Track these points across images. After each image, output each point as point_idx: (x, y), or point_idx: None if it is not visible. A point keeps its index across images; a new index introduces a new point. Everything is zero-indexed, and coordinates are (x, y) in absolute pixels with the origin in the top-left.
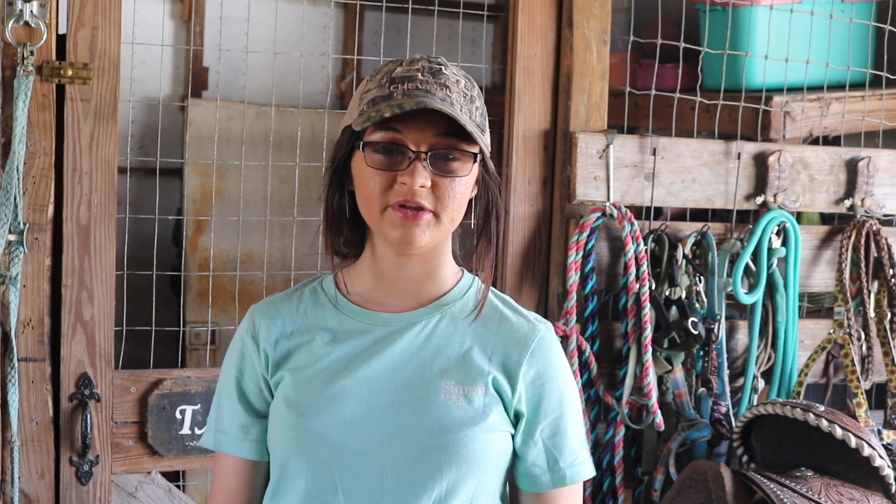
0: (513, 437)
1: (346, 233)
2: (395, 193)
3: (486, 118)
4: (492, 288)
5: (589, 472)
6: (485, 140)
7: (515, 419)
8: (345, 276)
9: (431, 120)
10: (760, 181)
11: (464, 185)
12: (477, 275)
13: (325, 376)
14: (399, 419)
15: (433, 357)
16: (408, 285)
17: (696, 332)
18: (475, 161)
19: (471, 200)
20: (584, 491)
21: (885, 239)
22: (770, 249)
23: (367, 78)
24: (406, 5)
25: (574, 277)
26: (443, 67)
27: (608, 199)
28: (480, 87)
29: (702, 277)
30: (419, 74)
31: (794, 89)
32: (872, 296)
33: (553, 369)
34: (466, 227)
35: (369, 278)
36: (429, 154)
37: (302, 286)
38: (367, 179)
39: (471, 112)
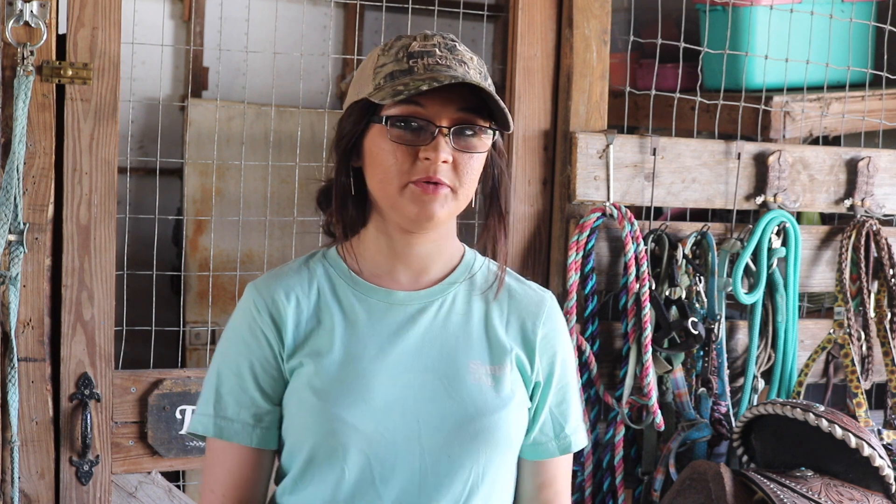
0: (529, 409)
1: (352, 211)
2: (417, 170)
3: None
4: (495, 262)
5: (586, 439)
6: None
7: (532, 391)
8: (349, 250)
9: (453, 95)
10: (760, 181)
11: (479, 160)
12: (480, 250)
13: (352, 362)
14: (434, 403)
15: (456, 336)
16: (417, 262)
17: (696, 332)
18: (493, 137)
19: None
20: (584, 491)
21: (885, 239)
22: (770, 249)
23: (378, 52)
24: (406, 5)
25: (574, 277)
26: (457, 44)
27: (608, 199)
28: None
29: (702, 277)
30: (437, 50)
31: (794, 89)
32: (872, 296)
33: (561, 338)
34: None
35: (377, 255)
36: (451, 129)
37: (305, 260)
38: (387, 155)
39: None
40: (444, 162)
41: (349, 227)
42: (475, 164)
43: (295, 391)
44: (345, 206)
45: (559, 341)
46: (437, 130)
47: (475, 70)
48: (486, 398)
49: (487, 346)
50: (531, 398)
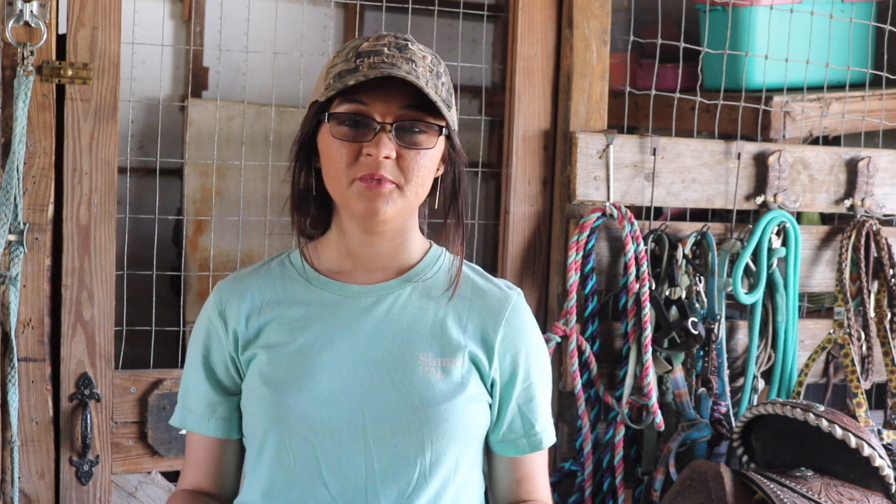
0: (490, 405)
1: (313, 211)
2: (361, 166)
3: (453, 95)
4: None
5: (554, 436)
6: (451, 115)
7: (491, 387)
8: (312, 250)
9: (398, 93)
10: (760, 181)
11: (429, 158)
12: (446, 247)
13: (302, 352)
14: (379, 394)
15: (409, 329)
16: (376, 261)
17: (696, 332)
18: (440, 134)
19: (437, 179)
20: (584, 491)
21: (885, 239)
22: (770, 249)
23: (335, 54)
24: (406, 5)
25: (574, 277)
26: (409, 43)
27: (608, 199)
28: (480, 88)
29: (702, 277)
30: (385, 49)
31: (794, 89)
32: (872, 296)
33: (526, 337)
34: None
35: (337, 253)
36: (394, 125)
37: (268, 261)
38: (334, 152)
39: (436, 87)
40: (387, 158)
41: (312, 226)
42: (423, 162)
43: (248, 381)
44: (303, 205)
45: (522, 339)
46: (378, 127)
47: (424, 68)
48: (433, 389)
49: (440, 340)
50: (492, 395)
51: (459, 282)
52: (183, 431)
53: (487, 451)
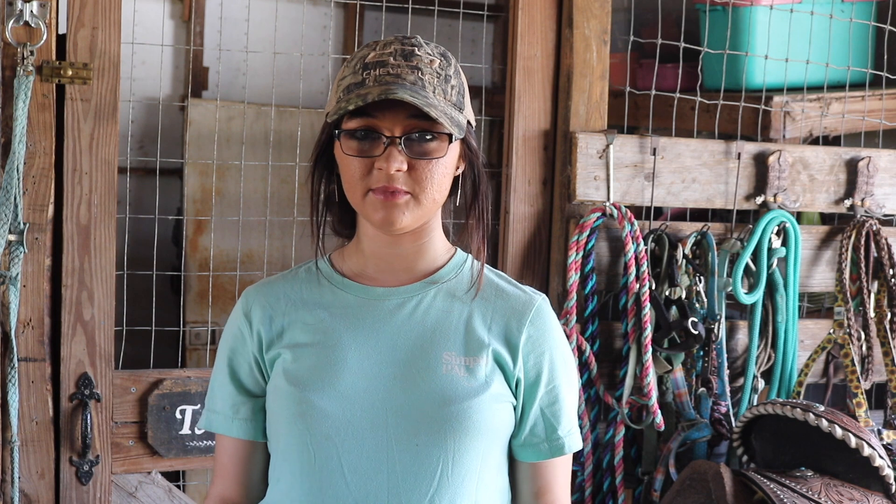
0: (514, 407)
1: (340, 213)
2: (374, 179)
3: (466, 95)
4: (486, 265)
5: (580, 442)
6: (461, 118)
7: (516, 388)
8: (338, 255)
9: (404, 103)
10: (760, 181)
11: (442, 164)
12: (470, 252)
13: (327, 351)
14: (402, 391)
15: (433, 330)
16: (400, 262)
17: (696, 332)
18: (451, 141)
19: (457, 178)
20: (584, 491)
21: (885, 239)
22: (770, 249)
23: (345, 63)
24: (406, 5)
25: (574, 277)
26: (416, 48)
27: (608, 199)
28: (480, 88)
29: (702, 277)
30: (391, 59)
31: (794, 89)
32: (872, 296)
33: (551, 339)
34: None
35: (361, 256)
36: (402, 138)
37: (297, 267)
38: (347, 166)
39: (445, 92)
40: (399, 171)
41: (338, 230)
42: (436, 169)
43: (273, 381)
44: (330, 210)
45: (547, 343)
46: (388, 140)
47: (432, 74)
48: (456, 387)
49: (464, 339)
50: (516, 396)
51: (482, 280)
52: (182, 431)
53: (511, 461)
